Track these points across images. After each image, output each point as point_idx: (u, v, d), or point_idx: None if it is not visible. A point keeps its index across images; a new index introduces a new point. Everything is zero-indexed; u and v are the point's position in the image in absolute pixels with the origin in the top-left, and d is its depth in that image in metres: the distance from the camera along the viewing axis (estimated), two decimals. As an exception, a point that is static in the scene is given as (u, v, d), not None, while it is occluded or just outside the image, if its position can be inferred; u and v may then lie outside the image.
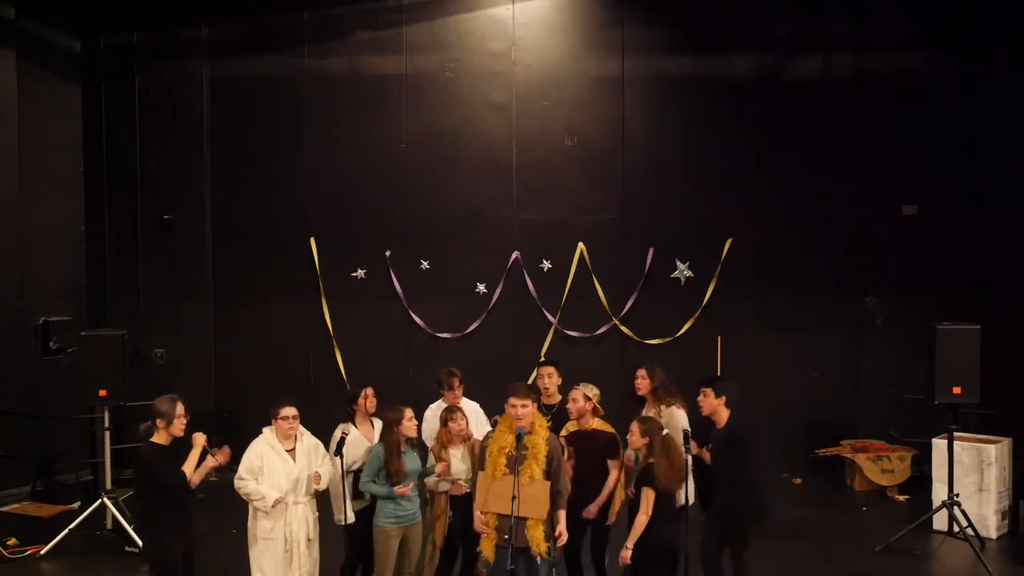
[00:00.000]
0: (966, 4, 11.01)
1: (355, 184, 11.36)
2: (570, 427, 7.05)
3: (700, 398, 6.92)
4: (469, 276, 11.34)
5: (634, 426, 6.57)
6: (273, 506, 6.53)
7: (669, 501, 6.48)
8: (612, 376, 10.05)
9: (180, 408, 6.50)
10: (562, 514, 6.32)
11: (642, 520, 6.34)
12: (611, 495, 6.94)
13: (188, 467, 6.44)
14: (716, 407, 6.85)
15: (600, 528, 7.01)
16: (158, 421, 6.45)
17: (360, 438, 7.06)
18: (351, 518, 6.78)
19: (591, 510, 6.82)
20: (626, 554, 6.35)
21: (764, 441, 7.08)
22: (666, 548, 6.43)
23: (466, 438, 7.00)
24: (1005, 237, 10.74)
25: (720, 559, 6.86)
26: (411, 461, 6.74)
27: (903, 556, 8.53)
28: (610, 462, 6.91)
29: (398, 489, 6.60)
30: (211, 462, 6.55)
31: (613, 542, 6.95)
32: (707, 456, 6.93)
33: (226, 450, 6.61)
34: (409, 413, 6.77)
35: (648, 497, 6.33)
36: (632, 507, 6.52)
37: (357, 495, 6.87)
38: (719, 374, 10.12)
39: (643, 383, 7.39)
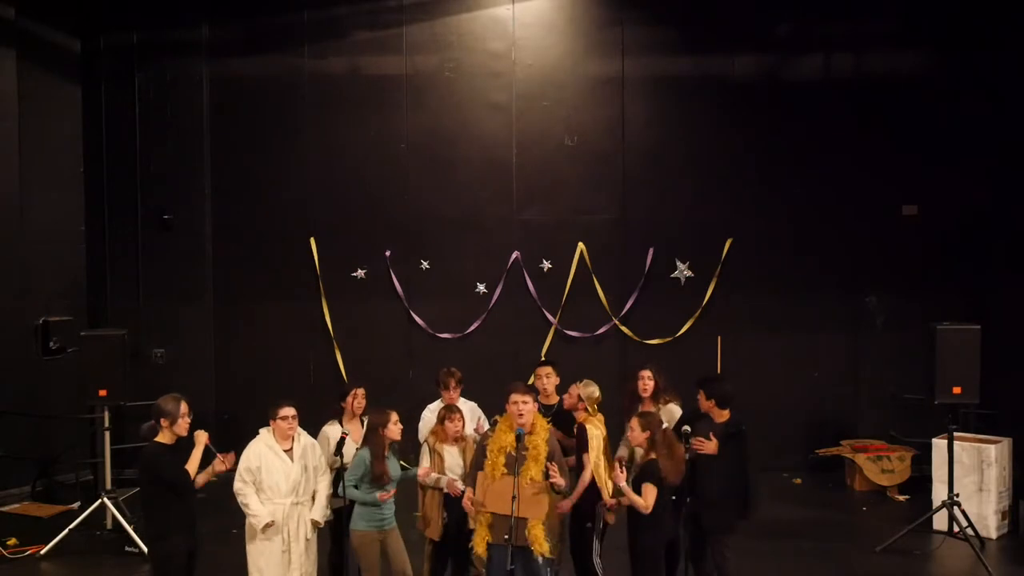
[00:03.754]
0: (966, 4, 11.01)
1: (355, 184, 11.36)
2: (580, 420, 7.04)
3: (698, 397, 7.02)
4: (469, 276, 11.35)
5: (634, 422, 6.57)
6: (263, 529, 6.53)
7: (668, 495, 6.50)
8: (612, 376, 10.05)
9: (184, 407, 6.48)
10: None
11: (644, 512, 6.35)
12: (586, 490, 6.86)
13: (191, 466, 6.43)
14: (709, 408, 6.93)
15: (588, 529, 6.96)
16: (163, 420, 6.44)
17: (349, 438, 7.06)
18: (328, 516, 6.79)
19: (564, 506, 6.70)
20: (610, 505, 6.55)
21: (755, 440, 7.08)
22: (666, 541, 6.44)
23: (459, 439, 6.99)
24: (1005, 237, 10.74)
25: (707, 553, 6.88)
26: (393, 466, 6.72)
27: (903, 556, 8.53)
28: (585, 456, 6.86)
29: (381, 496, 6.59)
30: (217, 467, 6.56)
31: (611, 543, 6.95)
32: (711, 446, 6.88)
33: (231, 455, 6.60)
34: (395, 416, 6.72)
35: (651, 493, 6.33)
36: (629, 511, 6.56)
37: (337, 493, 6.87)
38: (718, 373, 10.11)
39: (649, 384, 7.41)
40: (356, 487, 6.61)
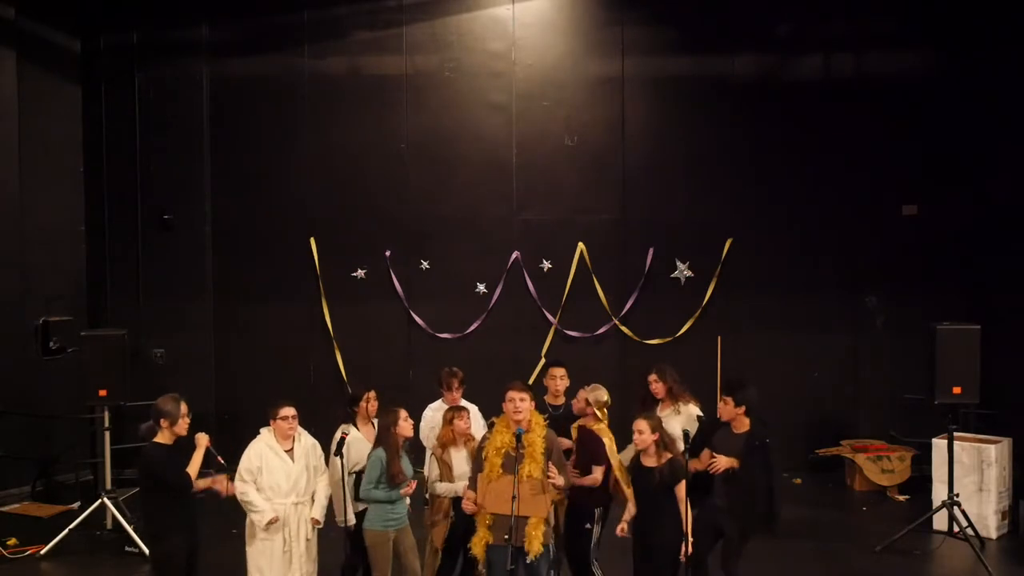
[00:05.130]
0: (966, 4, 11.01)
1: (355, 184, 11.36)
2: (581, 422, 7.01)
3: (720, 405, 6.88)
4: (469, 276, 11.34)
5: (643, 424, 6.46)
6: (267, 526, 6.54)
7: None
8: (612, 376, 10.05)
9: (184, 407, 6.50)
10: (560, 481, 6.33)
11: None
12: (587, 491, 6.85)
13: (192, 469, 6.44)
14: (735, 415, 6.80)
15: (586, 529, 6.93)
16: (162, 421, 6.45)
17: (361, 439, 7.04)
18: (351, 520, 6.78)
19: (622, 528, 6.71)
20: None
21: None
22: (670, 540, 6.46)
23: (468, 440, 6.96)
24: (1004, 237, 10.74)
25: (708, 556, 6.86)
26: (406, 463, 6.73)
27: (903, 556, 8.53)
28: (595, 467, 6.82)
29: (404, 491, 6.59)
30: (218, 487, 6.56)
31: (613, 543, 6.94)
32: (724, 462, 6.87)
33: (232, 485, 6.62)
34: (404, 414, 6.73)
35: (683, 490, 6.32)
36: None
37: (358, 496, 6.86)
38: (728, 376, 10.09)
39: (658, 387, 7.40)
40: (375, 487, 6.59)
